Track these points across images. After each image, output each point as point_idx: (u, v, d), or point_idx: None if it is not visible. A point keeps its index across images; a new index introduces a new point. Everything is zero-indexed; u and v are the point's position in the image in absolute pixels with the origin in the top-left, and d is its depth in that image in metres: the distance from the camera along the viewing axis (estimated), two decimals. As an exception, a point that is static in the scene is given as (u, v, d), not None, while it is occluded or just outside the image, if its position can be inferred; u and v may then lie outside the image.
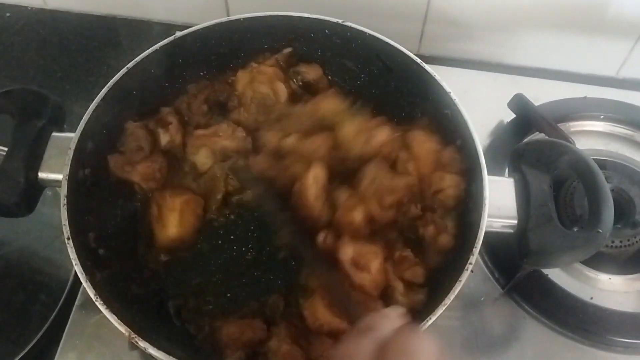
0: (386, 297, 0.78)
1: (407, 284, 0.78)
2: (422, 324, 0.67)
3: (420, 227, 0.82)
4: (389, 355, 0.50)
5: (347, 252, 0.77)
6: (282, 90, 0.94)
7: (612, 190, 0.78)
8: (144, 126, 0.88)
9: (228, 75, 0.96)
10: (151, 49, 0.87)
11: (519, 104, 1.08)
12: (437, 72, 0.85)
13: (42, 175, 0.79)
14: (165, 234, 0.84)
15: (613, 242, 0.93)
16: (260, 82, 0.93)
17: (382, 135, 0.85)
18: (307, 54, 0.96)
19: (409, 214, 0.83)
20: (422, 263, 0.80)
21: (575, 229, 0.91)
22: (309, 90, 0.96)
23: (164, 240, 0.84)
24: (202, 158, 0.89)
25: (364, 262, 0.77)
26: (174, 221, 0.84)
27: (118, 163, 0.84)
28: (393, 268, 0.79)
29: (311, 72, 0.96)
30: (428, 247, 0.81)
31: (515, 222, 0.77)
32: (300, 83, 0.96)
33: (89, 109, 0.80)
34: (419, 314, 0.73)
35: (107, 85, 0.83)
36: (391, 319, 0.55)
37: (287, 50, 0.96)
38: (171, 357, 0.64)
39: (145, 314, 0.76)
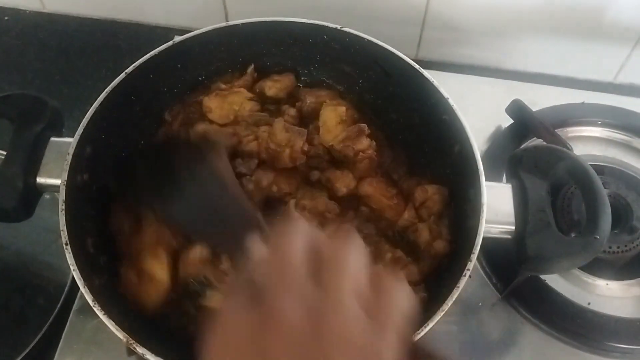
0: None
1: None
2: (421, 329, 0.66)
3: (412, 235, 0.82)
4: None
5: None
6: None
7: (609, 196, 0.78)
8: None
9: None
10: (150, 53, 0.87)
11: (516, 109, 1.08)
12: (434, 77, 0.85)
13: (40, 180, 0.79)
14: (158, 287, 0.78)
15: (610, 247, 0.93)
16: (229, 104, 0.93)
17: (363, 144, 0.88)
18: (305, 59, 0.96)
19: (400, 223, 0.84)
20: (415, 262, 0.80)
21: (573, 235, 0.91)
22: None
23: (161, 295, 0.78)
24: None
25: None
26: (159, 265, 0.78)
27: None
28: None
29: (274, 86, 0.96)
30: (423, 254, 0.81)
31: (513, 227, 0.77)
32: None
33: (87, 114, 0.80)
34: (420, 312, 0.73)
35: (105, 90, 0.82)
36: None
37: (250, 68, 0.96)
38: (169, 363, 0.64)
39: (143, 319, 0.76)
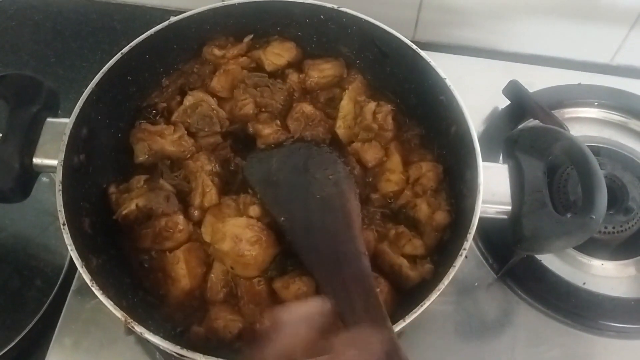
0: (394, 275, 0.77)
1: (410, 258, 0.78)
2: (417, 308, 0.67)
3: (411, 211, 0.82)
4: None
5: None
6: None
7: (605, 177, 0.78)
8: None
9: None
10: (146, 34, 0.87)
11: (513, 90, 1.08)
12: (432, 58, 0.85)
13: (37, 160, 0.79)
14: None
15: (606, 228, 0.93)
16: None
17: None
18: (301, 40, 0.96)
19: (398, 201, 0.84)
20: (419, 236, 0.80)
21: (569, 215, 0.91)
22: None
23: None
24: (137, 151, 0.86)
25: None
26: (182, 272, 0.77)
27: None
28: (391, 247, 0.79)
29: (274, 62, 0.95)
30: (426, 227, 0.81)
31: (509, 208, 0.78)
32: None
33: (83, 95, 0.79)
34: (428, 283, 0.73)
35: (101, 71, 0.82)
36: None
37: (247, 38, 0.95)
38: (167, 341, 0.65)
39: (141, 299, 0.76)
